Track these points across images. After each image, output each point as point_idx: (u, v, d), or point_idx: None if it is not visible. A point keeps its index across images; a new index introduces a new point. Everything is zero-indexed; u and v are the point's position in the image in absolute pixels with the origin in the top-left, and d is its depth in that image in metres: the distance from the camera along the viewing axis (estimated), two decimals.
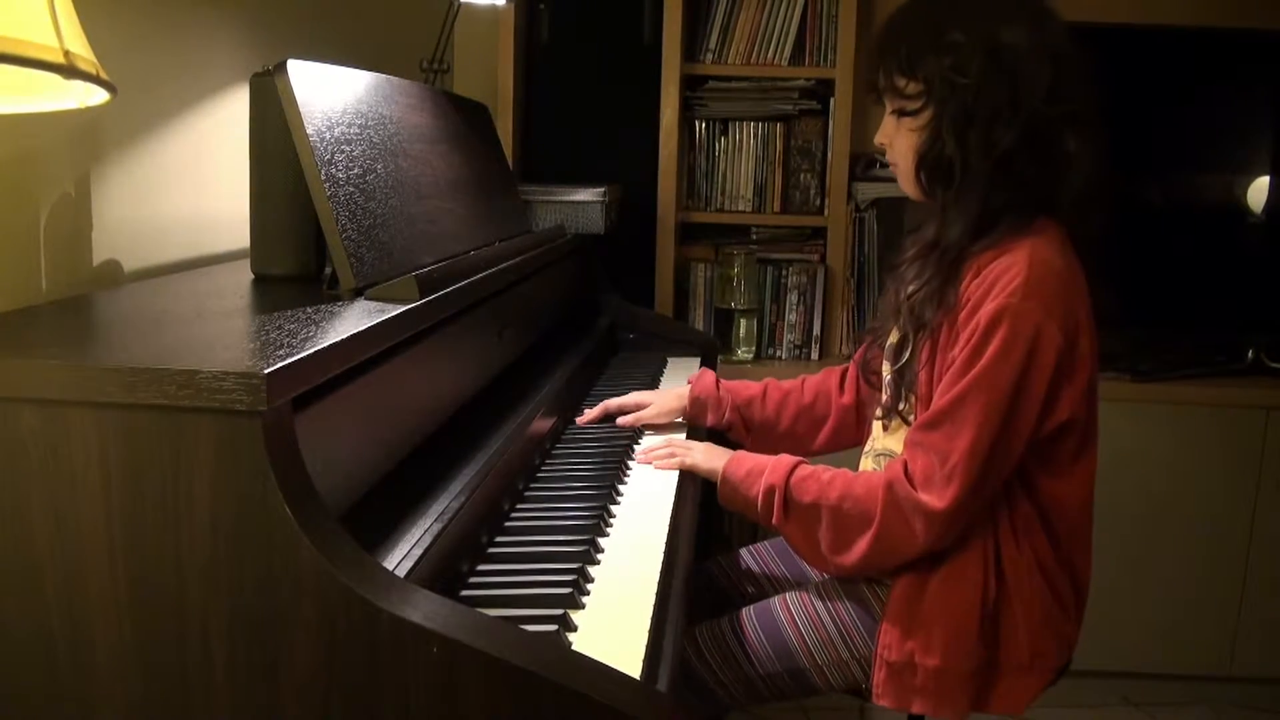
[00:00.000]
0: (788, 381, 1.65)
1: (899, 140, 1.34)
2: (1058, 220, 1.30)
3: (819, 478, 1.30)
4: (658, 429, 1.62)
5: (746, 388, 1.64)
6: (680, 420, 1.65)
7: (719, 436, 1.61)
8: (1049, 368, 1.21)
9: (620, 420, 1.60)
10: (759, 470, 1.35)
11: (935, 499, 1.22)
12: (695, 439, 1.52)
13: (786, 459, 1.35)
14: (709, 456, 1.42)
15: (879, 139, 1.38)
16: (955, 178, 1.29)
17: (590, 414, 1.63)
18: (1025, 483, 1.28)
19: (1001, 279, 1.22)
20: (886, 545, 1.25)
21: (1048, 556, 1.29)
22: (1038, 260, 1.23)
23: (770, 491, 1.32)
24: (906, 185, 1.37)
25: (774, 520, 1.32)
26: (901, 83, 1.31)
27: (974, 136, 1.26)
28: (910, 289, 1.33)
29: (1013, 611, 1.28)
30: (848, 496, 1.27)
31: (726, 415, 1.61)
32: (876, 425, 1.44)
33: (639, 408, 1.63)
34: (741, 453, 1.41)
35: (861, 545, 1.26)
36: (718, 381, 1.64)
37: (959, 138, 1.27)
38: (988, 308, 1.22)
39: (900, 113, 1.33)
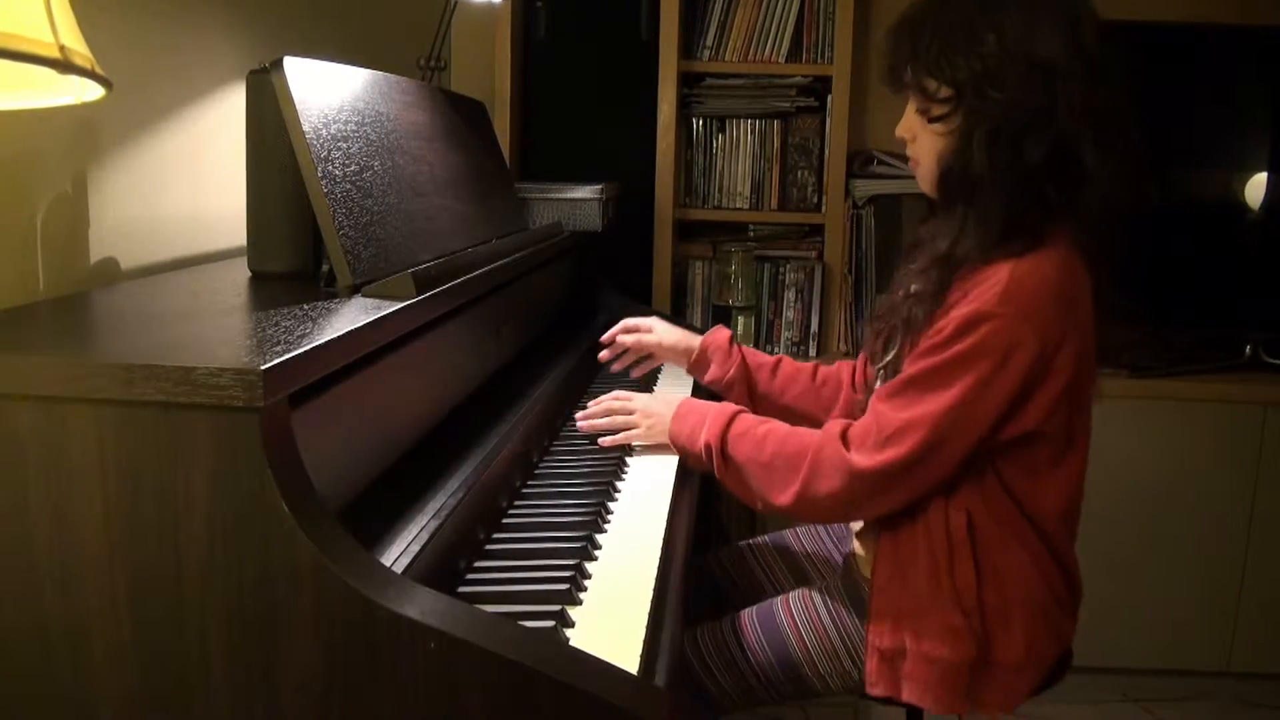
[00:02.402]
0: (803, 363, 1.66)
1: (923, 139, 1.30)
2: (1070, 230, 1.25)
3: (754, 434, 1.33)
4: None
5: (760, 354, 1.66)
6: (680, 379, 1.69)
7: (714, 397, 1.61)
8: (1017, 375, 1.19)
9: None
10: (699, 426, 1.38)
11: (861, 459, 1.23)
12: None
13: (726, 409, 1.38)
14: (653, 422, 1.46)
15: (902, 132, 1.33)
16: (979, 191, 1.25)
17: (612, 332, 1.70)
18: (1001, 481, 1.27)
19: (984, 283, 1.21)
20: (809, 496, 1.27)
21: (1043, 556, 1.29)
22: (1024, 267, 1.20)
23: (708, 448, 1.36)
24: (927, 185, 1.34)
25: (715, 473, 1.36)
26: (931, 85, 1.26)
27: (1001, 151, 1.22)
28: (908, 291, 1.31)
29: (1009, 612, 1.27)
30: (779, 455, 1.30)
31: (733, 371, 1.62)
32: None
33: (650, 330, 1.69)
34: (685, 405, 1.44)
35: (789, 494, 1.29)
36: (732, 338, 1.66)
37: (988, 151, 1.23)
38: (964, 309, 1.21)
39: (925, 112, 1.29)
